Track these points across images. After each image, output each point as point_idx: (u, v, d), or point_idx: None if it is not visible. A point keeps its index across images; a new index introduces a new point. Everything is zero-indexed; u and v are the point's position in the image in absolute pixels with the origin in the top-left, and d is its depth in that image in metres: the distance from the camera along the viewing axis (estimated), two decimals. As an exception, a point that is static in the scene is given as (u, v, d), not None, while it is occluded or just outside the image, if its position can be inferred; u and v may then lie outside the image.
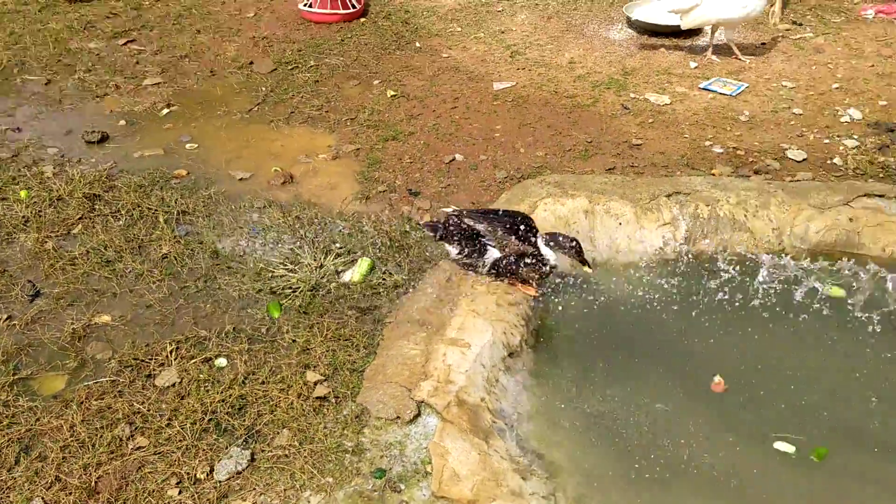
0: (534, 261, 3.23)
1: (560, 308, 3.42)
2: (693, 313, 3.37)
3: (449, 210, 3.31)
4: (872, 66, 5.38)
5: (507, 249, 3.20)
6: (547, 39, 5.82)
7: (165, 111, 4.88)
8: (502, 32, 5.94)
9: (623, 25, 6.05)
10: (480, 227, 3.20)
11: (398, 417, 2.69)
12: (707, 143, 4.47)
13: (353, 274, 3.35)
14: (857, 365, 3.10)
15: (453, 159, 4.28)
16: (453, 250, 3.24)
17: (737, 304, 3.39)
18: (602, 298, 3.47)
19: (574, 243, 3.21)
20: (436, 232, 3.22)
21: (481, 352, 2.96)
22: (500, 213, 3.32)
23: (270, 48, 5.63)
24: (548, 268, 3.26)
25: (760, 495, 2.61)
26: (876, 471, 2.66)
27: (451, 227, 3.21)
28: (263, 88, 5.07)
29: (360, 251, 3.48)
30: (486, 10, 6.38)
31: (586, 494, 2.62)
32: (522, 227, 3.24)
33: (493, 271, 3.25)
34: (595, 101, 4.91)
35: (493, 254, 3.21)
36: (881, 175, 4.16)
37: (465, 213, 3.24)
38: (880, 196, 3.91)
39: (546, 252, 3.22)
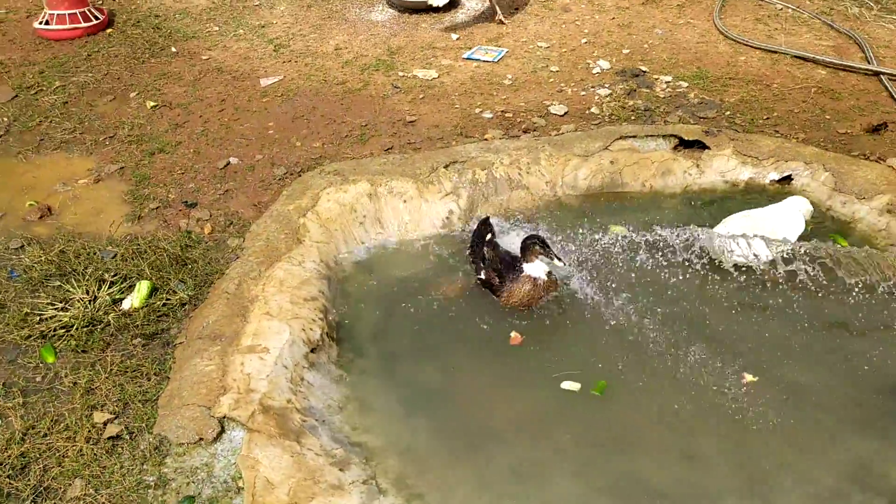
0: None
1: (360, 293, 3.42)
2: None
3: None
4: (613, 18, 5.80)
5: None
6: (310, 29, 5.75)
7: None
8: (262, 27, 5.79)
9: (384, 6, 6.10)
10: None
11: (201, 439, 2.57)
12: (477, 110, 4.62)
13: (133, 300, 3.14)
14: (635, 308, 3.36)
15: (228, 163, 4.13)
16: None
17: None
18: (400, 276, 3.51)
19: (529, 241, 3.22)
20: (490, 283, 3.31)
21: (281, 353, 2.89)
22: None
23: (8, 74, 5.13)
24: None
25: (558, 428, 2.81)
26: (648, 401, 2.91)
27: (493, 264, 3.29)
28: (5, 119, 4.61)
29: (138, 275, 3.26)
30: (242, 6, 6.18)
31: (405, 471, 2.64)
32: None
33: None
34: (366, 85, 4.91)
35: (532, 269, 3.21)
36: (632, 117, 4.50)
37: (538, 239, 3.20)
38: (633, 137, 4.23)
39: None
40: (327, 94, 4.80)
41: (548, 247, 3.14)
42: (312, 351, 3.01)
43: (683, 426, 2.80)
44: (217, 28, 5.82)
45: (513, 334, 3.17)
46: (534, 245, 3.15)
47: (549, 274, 3.20)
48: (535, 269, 3.17)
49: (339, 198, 3.75)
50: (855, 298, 3.29)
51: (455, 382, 3.02)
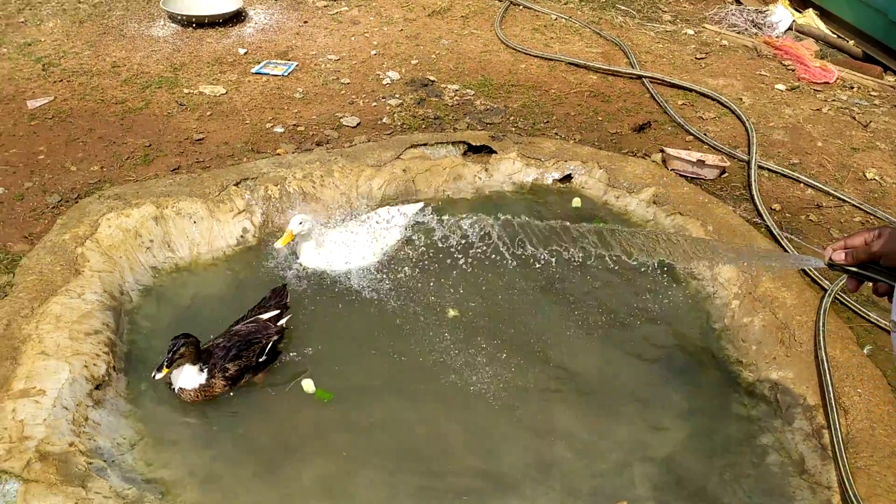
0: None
1: (150, 320, 3.26)
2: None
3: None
4: (401, 30, 5.94)
5: None
6: (83, 45, 5.39)
7: None
8: (29, 45, 5.35)
9: (165, 21, 5.85)
10: None
11: (-32, 497, 2.33)
12: (268, 125, 4.56)
13: None
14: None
15: (-8, 194, 3.79)
16: None
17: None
18: (193, 298, 3.39)
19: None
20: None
21: (60, 394, 2.68)
22: None
23: None
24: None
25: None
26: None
27: None
28: None
29: None
30: (5, 23, 5.69)
31: (206, 501, 2.55)
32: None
33: None
34: (147, 103, 4.69)
35: None
36: (423, 126, 4.63)
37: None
38: (424, 145, 4.35)
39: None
40: (105, 115, 4.53)
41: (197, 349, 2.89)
42: (97, 388, 2.82)
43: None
44: (-25, 47, 5.31)
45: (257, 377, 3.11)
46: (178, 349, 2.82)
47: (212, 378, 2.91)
48: (184, 377, 2.88)
49: (122, 223, 3.54)
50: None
51: (251, 403, 2.96)
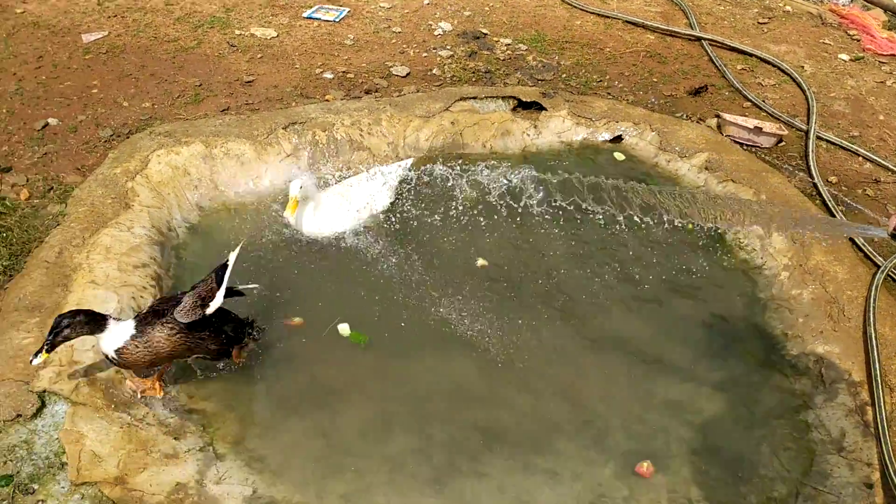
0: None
1: (196, 257, 3.30)
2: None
3: None
4: (456, -20, 5.83)
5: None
6: (137, -18, 5.39)
7: None
8: (85, -21, 5.37)
9: (219, -39, 5.81)
10: None
11: (19, 415, 2.40)
12: (318, 70, 4.53)
13: (-63, 272, 2.88)
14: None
15: (47, 124, 3.83)
16: None
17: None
18: (238, 239, 3.41)
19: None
20: None
21: (108, 323, 2.74)
22: None
23: None
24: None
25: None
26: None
27: None
28: None
29: (-57, 245, 2.99)
30: (62, -44, 5.70)
31: (245, 435, 2.60)
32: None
33: None
34: (199, 43, 4.69)
35: None
36: (473, 79, 4.56)
37: None
38: (473, 98, 4.30)
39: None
40: (157, 52, 4.55)
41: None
42: (144, 319, 2.87)
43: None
44: (32, -21, 5.34)
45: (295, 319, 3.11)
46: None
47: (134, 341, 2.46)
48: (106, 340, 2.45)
49: (171, 160, 3.58)
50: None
51: (288, 346, 2.99)
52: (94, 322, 2.40)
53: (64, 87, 4.15)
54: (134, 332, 2.45)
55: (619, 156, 4.16)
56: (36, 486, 2.23)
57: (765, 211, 2.57)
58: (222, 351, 2.68)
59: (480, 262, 3.44)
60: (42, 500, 2.20)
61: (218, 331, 2.63)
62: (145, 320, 2.49)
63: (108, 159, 3.57)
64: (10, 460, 2.29)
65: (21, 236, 3.13)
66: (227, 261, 2.64)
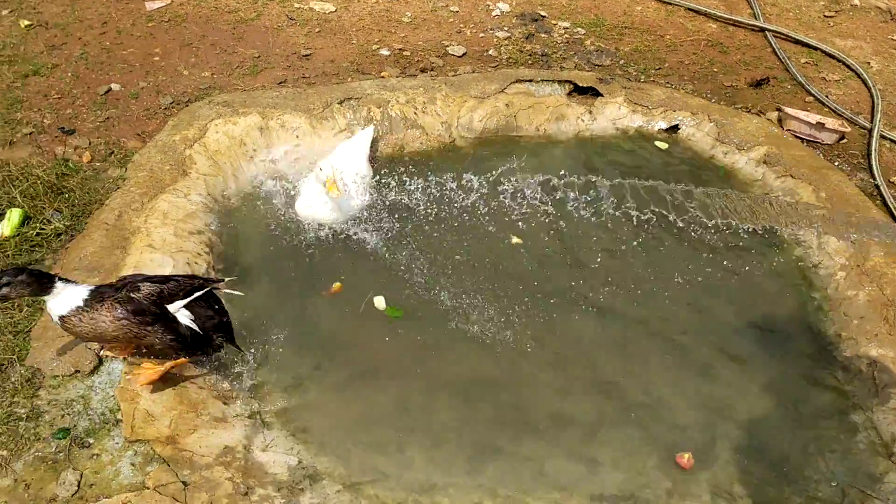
0: None
1: (248, 227, 3.35)
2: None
3: None
4: (516, -39, 5.77)
5: None
6: (201, -48, 5.44)
7: None
8: (150, -53, 5.43)
9: (281, -66, 5.84)
10: None
11: (77, 371, 2.47)
12: (374, 46, 4.54)
13: (3, 228, 2.96)
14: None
15: (109, 90, 3.91)
16: None
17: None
18: (289, 211, 3.45)
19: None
20: None
21: (164, 286, 2.80)
22: None
23: None
24: None
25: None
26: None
27: None
28: None
29: (9, 203, 3.07)
30: (128, -75, 5.77)
31: (291, 405, 2.64)
32: None
33: None
34: (259, 15, 4.73)
35: None
36: (529, 61, 4.53)
37: None
38: (529, 81, 4.27)
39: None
40: (218, 22, 4.59)
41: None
42: (197, 285, 2.93)
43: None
44: (99, -55, 5.42)
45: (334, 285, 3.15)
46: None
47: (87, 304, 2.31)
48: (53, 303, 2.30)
49: (229, 130, 3.62)
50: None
51: (327, 320, 3.02)
52: (38, 283, 2.24)
53: (127, 53, 4.22)
54: (81, 303, 2.28)
55: (661, 145, 4.11)
56: (91, 441, 2.30)
57: (834, 218, 2.51)
58: (167, 351, 2.46)
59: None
60: (97, 455, 2.26)
61: (170, 330, 2.41)
62: (99, 294, 2.31)
63: (168, 126, 3.63)
64: (68, 414, 2.37)
65: (83, 198, 3.20)
66: (209, 285, 2.52)
